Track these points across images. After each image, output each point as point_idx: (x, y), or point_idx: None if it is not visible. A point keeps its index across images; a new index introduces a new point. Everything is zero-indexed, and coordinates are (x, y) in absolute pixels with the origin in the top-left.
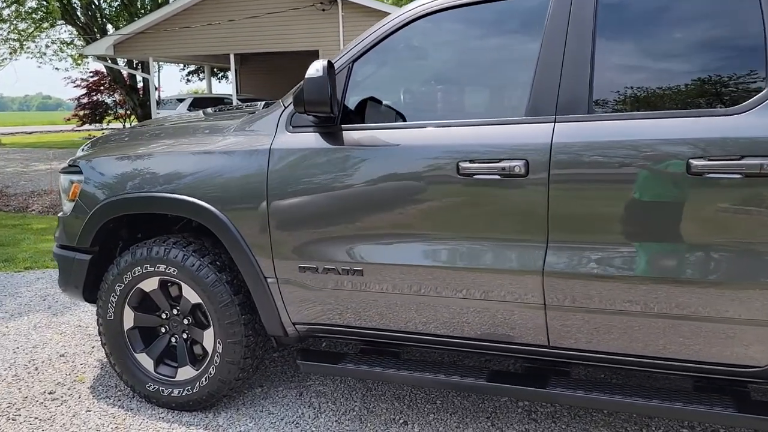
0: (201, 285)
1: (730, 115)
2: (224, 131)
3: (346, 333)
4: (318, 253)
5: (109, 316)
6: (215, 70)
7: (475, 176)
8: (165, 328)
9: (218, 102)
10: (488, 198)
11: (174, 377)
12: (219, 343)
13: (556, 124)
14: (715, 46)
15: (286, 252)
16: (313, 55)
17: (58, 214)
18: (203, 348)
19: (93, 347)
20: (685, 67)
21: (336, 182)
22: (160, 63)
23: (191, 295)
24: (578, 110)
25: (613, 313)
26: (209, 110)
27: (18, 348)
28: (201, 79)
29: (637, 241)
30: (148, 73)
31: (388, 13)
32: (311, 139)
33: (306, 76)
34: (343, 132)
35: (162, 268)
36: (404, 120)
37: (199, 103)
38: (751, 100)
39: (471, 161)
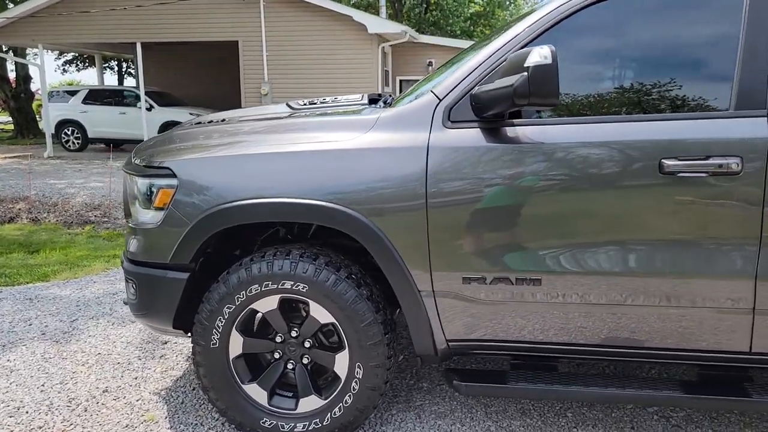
0: (338, 302)
1: None
2: (355, 126)
3: (506, 348)
4: (487, 261)
5: (213, 344)
6: (107, 59)
7: (679, 174)
8: (279, 353)
9: (118, 95)
10: (695, 198)
11: (295, 409)
12: (358, 367)
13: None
14: None
15: (448, 262)
16: (232, 46)
17: (130, 224)
18: (334, 373)
19: (135, 378)
20: None
21: (509, 183)
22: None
23: (321, 315)
24: None
25: None
26: (294, 104)
27: (44, 386)
28: (79, 70)
29: None
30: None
31: (313, 5)
32: (475, 136)
33: (532, 64)
34: (516, 128)
35: (288, 284)
36: (581, 115)
37: (95, 95)
38: None
39: (676, 158)
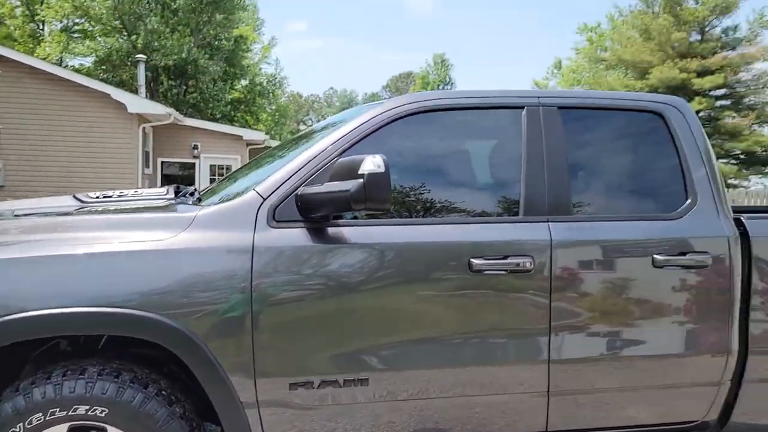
0: (147, 424)
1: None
2: (170, 225)
3: None
4: (315, 365)
5: None
6: None
7: (485, 272)
8: None
9: None
10: (499, 292)
11: None
12: None
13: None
14: None
15: (274, 368)
16: None
17: None
18: None
19: None
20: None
21: (336, 283)
22: None
23: None
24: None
25: (601, 391)
26: (83, 196)
27: None
28: None
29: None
30: None
31: (61, 78)
32: (300, 236)
33: (367, 172)
34: (340, 228)
35: (82, 410)
36: (399, 216)
37: None
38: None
39: (482, 257)
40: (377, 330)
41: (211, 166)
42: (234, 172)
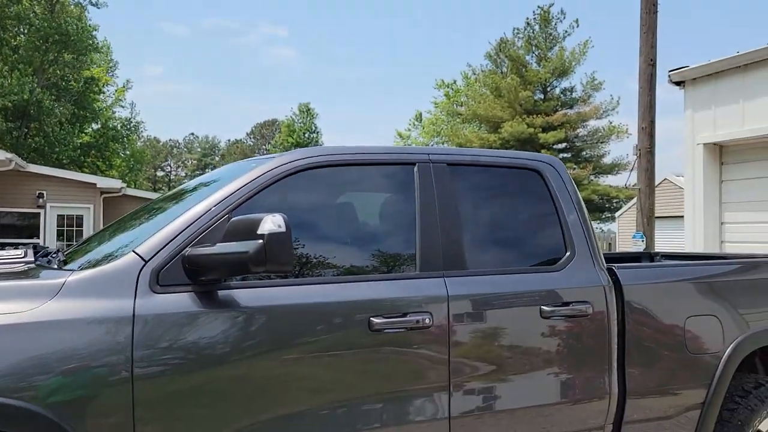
0: None
1: None
2: (31, 293)
3: None
4: None
5: None
6: None
7: (386, 330)
8: None
9: None
10: (400, 350)
11: None
12: None
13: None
14: None
15: None
16: None
17: None
18: None
19: None
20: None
21: (229, 351)
22: None
23: None
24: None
25: None
26: None
27: None
28: None
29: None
30: None
31: None
32: (187, 301)
33: (267, 232)
34: (232, 291)
35: None
36: (294, 276)
37: None
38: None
39: (382, 316)
40: (276, 400)
41: (59, 216)
42: (103, 229)
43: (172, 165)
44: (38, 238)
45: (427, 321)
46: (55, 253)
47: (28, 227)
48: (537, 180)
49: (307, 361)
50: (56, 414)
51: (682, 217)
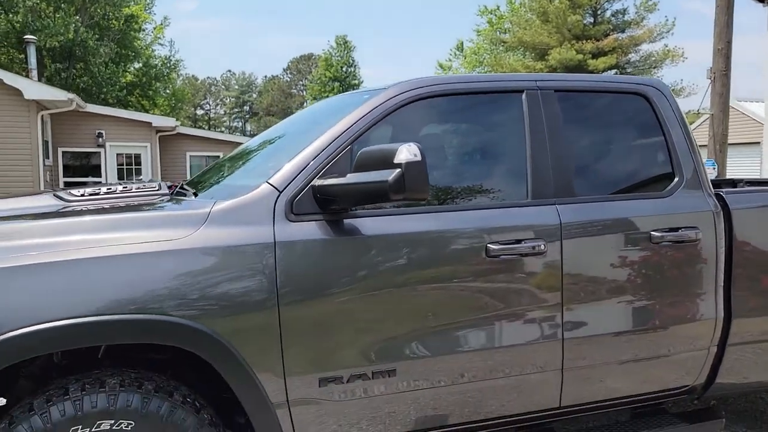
0: None
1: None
2: (182, 222)
3: None
4: (343, 359)
5: None
6: None
7: (501, 257)
8: None
9: None
10: (516, 276)
11: None
12: None
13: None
14: None
15: (303, 365)
16: None
17: None
18: None
19: None
20: None
21: (361, 275)
22: None
23: None
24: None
25: (609, 364)
26: (64, 194)
27: None
28: None
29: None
30: None
31: None
32: (320, 229)
33: (404, 161)
34: (360, 219)
35: (106, 425)
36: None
37: None
38: None
39: (498, 243)
40: (402, 320)
41: (117, 155)
42: (215, 164)
43: (210, 103)
44: (100, 176)
45: (542, 247)
46: (181, 186)
47: (90, 166)
48: (643, 104)
49: (429, 284)
50: (216, 333)
51: (747, 144)
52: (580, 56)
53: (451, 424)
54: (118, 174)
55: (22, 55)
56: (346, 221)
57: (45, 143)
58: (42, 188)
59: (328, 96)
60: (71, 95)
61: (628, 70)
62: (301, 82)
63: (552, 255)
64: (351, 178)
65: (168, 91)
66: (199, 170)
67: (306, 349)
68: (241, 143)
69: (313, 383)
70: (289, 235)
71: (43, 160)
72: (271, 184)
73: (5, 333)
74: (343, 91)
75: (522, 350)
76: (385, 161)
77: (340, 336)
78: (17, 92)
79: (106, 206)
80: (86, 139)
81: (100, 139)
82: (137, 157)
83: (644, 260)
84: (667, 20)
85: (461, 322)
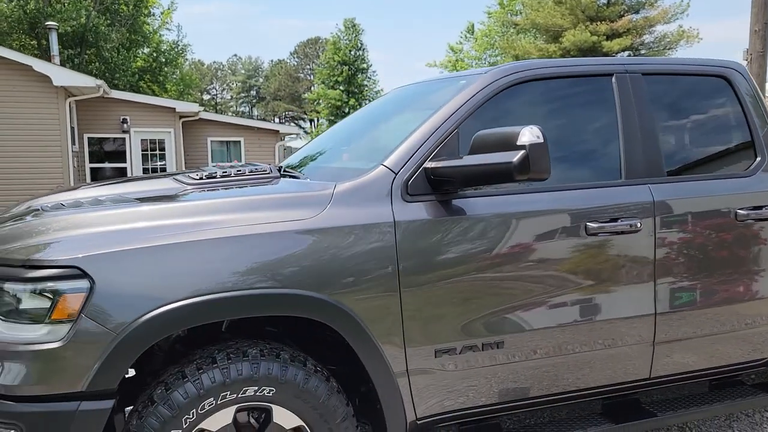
0: (310, 401)
1: None
2: (309, 203)
3: (472, 415)
4: (457, 331)
5: None
6: None
7: (599, 234)
8: None
9: None
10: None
11: None
12: None
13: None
14: None
15: (420, 336)
16: None
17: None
18: None
19: None
20: None
21: (472, 252)
22: None
23: (287, 420)
24: None
25: (699, 337)
26: (184, 177)
27: None
28: None
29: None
30: None
31: None
32: (433, 209)
33: (528, 143)
34: (468, 200)
35: (250, 391)
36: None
37: None
38: None
39: (597, 221)
40: (509, 294)
41: (142, 140)
42: (311, 145)
43: (217, 88)
44: (125, 161)
45: (638, 225)
46: (282, 168)
47: (115, 152)
48: (725, 86)
49: (534, 260)
50: (348, 308)
51: None
52: (595, 38)
53: (549, 394)
54: (142, 159)
55: (34, 42)
56: (456, 201)
57: (72, 130)
58: (71, 175)
59: (337, 80)
60: (99, 81)
61: (642, 52)
62: (308, 66)
63: (646, 232)
64: (469, 159)
65: (176, 76)
66: (220, 156)
67: (423, 322)
68: (263, 128)
69: (430, 354)
70: (406, 215)
71: (72, 146)
72: (387, 167)
73: (171, 303)
74: (352, 75)
75: (618, 324)
76: (506, 143)
77: (453, 309)
78: (46, 79)
79: (232, 187)
80: (111, 125)
81: (125, 125)
82: (161, 142)
83: (731, 237)
84: (681, 1)
85: (562, 297)
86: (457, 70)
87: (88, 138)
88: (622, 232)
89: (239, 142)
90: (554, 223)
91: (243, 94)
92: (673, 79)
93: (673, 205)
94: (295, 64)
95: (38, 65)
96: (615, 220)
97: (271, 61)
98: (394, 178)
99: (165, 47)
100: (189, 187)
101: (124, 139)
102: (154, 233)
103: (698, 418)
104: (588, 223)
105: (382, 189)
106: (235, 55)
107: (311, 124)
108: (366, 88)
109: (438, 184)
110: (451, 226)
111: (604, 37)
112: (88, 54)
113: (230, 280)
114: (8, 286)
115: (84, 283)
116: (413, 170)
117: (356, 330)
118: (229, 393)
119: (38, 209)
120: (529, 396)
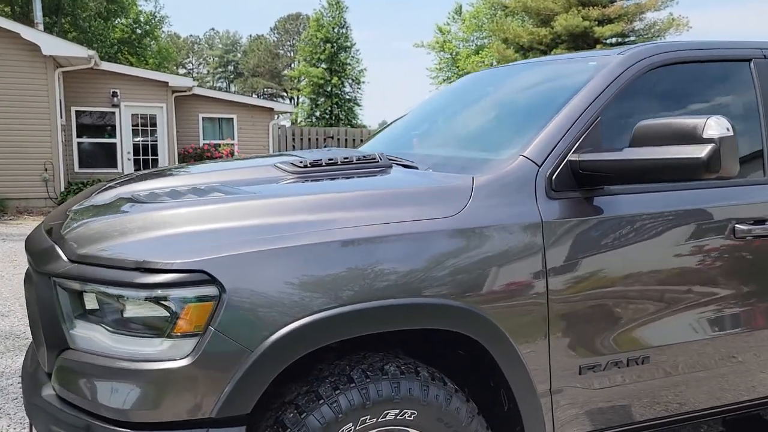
0: (453, 425)
1: None
2: (450, 197)
3: None
4: (603, 345)
5: None
6: None
7: (747, 237)
8: None
9: None
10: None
11: None
12: None
13: None
14: None
15: (565, 352)
16: None
17: (98, 361)
18: None
19: None
20: None
21: (620, 257)
22: None
23: None
24: None
25: None
26: (286, 166)
27: None
28: None
29: None
30: None
31: None
32: (578, 207)
33: (718, 136)
34: (613, 197)
35: (391, 415)
36: None
37: None
38: None
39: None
40: (659, 304)
41: (132, 115)
42: (390, 130)
43: (193, 62)
44: (114, 137)
45: None
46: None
47: (104, 126)
48: None
49: (684, 261)
50: (495, 319)
51: None
52: (586, 23)
53: (685, 412)
54: (132, 134)
55: (8, 8)
56: (602, 198)
57: (59, 102)
58: (60, 151)
59: (319, 57)
60: (91, 52)
61: (632, 38)
62: (288, 43)
63: None
64: (635, 153)
65: (153, 48)
66: (211, 133)
67: (570, 334)
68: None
69: (574, 371)
70: (552, 214)
71: (59, 120)
72: (529, 158)
73: (316, 314)
74: (335, 54)
75: (762, 334)
76: (685, 136)
77: (600, 321)
78: (35, 48)
79: (339, 177)
80: (100, 98)
81: (115, 99)
82: (152, 117)
83: None
84: None
85: (711, 305)
86: (444, 52)
87: (76, 111)
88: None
89: (232, 119)
90: (701, 224)
91: (220, 69)
92: None
93: None
94: (275, 40)
95: (26, 33)
96: (763, 221)
97: (250, 36)
98: (538, 171)
99: (143, 18)
100: (291, 176)
101: (113, 113)
102: (282, 232)
103: None
104: (737, 226)
105: (525, 184)
106: (213, 29)
107: (291, 102)
108: (349, 67)
109: (585, 180)
110: (602, 226)
111: (596, 22)
112: (64, 22)
113: (375, 287)
114: (118, 291)
115: (212, 290)
116: (557, 163)
117: (503, 344)
118: (369, 417)
119: (130, 198)
120: (666, 415)
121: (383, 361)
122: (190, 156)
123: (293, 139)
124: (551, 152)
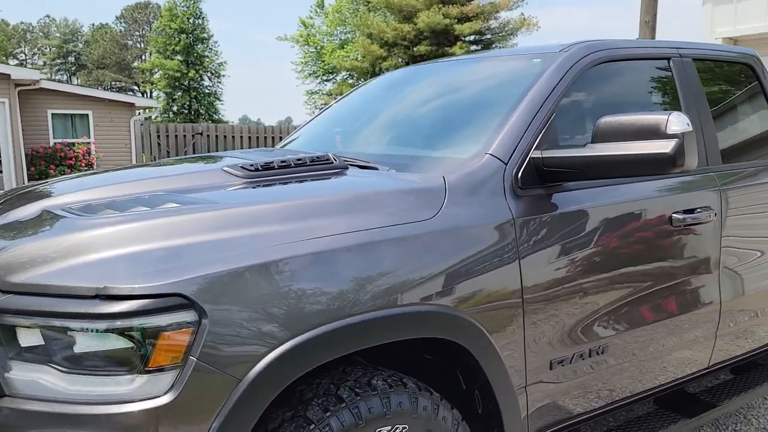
0: None
1: None
2: (426, 198)
3: (576, 425)
4: (569, 340)
5: None
6: None
7: (682, 225)
8: None
9: None
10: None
11: None
12: None
13: None
14: None
15: (539, 349)
16: None
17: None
18: None
19: None
20: None
21: (583, 252)
22: None
23: None
24: None
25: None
26: (234, 170)
27: None
28: None
29: None
30: None
31: None
32: (540, 204)
33: (681, 131)
34: (571, 192)
35: (385, 429)
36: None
37: None
38: None
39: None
40: (617, 293)
41: None
42: (309, 128)
43: (26, 52)
44: None
45: (713, 216)
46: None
47: None
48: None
49: (633, 250)
50: (475, 319)
51: None
52: (447, 21)
53: (633, 394)
54: None
55: None
56: (561, 194)
57: None
58: None
59: (174, 49)
60: None
61: (488, 36)
62: (138, 33)
63: (716, 222)
64: (601, 148)
65: None
66: (63, 132)
67: (542, 331)
68: (116, 100)
69: (545, 366)
70: (521, 211)
71: None
72: (495, 156)
73: (305, 333)
74: (191, 45)
75: (692, 317)
76: (648, 131)
77: (567, 315)
78: None
79: (292, 181)
80: None
81: None
82: None
83: None
84: None
85: (647, 290)
86: (309, 45)
87: None
88: (701, 223)
89: (87, 115)
90: (643, 215)
91: (59, 61)
92: (717, 65)
93: (737, 190)
94: (122, 29)
95: None
96: (692, 210)
97: (93, 24)
98: (505, 169)
99: None
100: (242, 181)
101: None
102: (259, 245)
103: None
104: (673, 215)
105: (495, 182)
106: (48, 16)
107: (144, 96)
108: (207, 60)
109: (548, 176)
110: (566, 221)
111: (456, 20)
112: None
113: (365, 299)
114: (75, 324)
115: (191, 315)
116: (521, 160)
117: (485, 346)
118: None
119: (62, 212)
120: (616, 400)
121: (367, 375)
122: (40, 157)
123: (158, 137)
124: (515, 149)
